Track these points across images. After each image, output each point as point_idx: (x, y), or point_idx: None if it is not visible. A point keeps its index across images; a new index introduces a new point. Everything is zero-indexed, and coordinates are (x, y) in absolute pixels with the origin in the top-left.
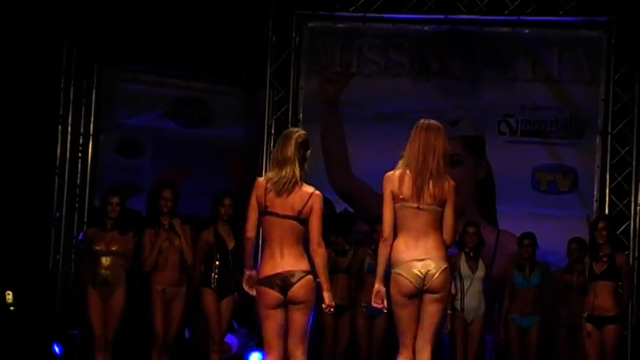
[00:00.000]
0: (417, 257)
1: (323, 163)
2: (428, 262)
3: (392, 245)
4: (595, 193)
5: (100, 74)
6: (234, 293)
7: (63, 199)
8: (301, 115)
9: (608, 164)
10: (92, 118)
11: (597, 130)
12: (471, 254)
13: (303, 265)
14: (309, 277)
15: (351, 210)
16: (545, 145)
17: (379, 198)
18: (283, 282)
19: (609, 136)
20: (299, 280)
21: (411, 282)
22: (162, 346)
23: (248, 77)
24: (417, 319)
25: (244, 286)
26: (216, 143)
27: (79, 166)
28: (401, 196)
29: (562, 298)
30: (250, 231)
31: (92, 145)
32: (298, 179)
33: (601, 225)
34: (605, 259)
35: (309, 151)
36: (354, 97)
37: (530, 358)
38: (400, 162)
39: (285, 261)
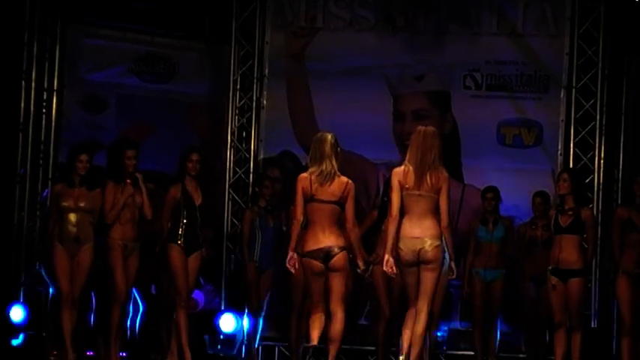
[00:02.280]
0: (416, 235)
1: (289, 118)
2: (424, 239)
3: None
4: (559, 147)
5: (63, 29)
6: (202, 249)
7: (27, 155)
8: (267, 70)
9: (572, 118)
10: (56, 74)
11: (562, 84)
12: None
13: (341, 242)
14: (345, 252)
15: None
16: (510, 99)
17: (345, 153)
18: (325, 255)
19: (574, 90)
20: (337, 254)
21: (409, 254)
22: (124, 301)
23: (212, 32)
24: (418, 284)
25: (288, 264)
26: (180, 99)
27: (43, 122)
28: (406, 186)
29: (526, 252)
30: (300, 215)
31: (56, 100)
32: (336, 171)
33: (563, 177)
34: (570, 212)
35: (339, 149)
36: (320, 52)
37: (495, 311)
38: (405, 161)
39: (327, 238)
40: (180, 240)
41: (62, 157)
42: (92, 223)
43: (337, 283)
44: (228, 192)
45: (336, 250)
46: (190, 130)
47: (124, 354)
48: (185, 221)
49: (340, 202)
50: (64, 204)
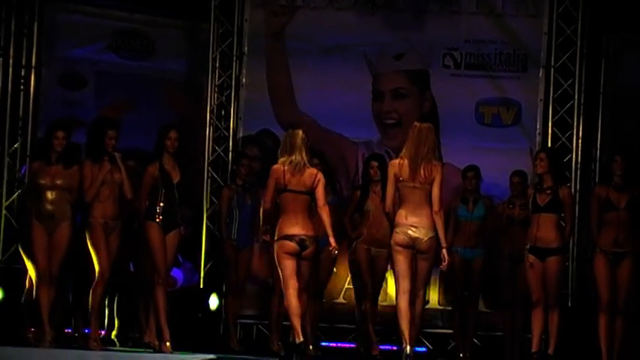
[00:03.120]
0: (412, 224)
1: (268, 96)
2: (420, 229)
3: (396, 213)
4: (538, 126)
5: (42, 5)
6: (180, 227)
7: (5, 132)
8: (246, 49)
9: (551, 97)
10: (34, 51)
11: (540, 64)
12: None
13: (311, 231)
14: (315, 243)
15: None
16: (489, 78)
17: (324, 132)
18: (300, 242)
19: (552, 70)
20: (309, 246)
21: (404, 237)
22: (105, 280)
23: (191, 9)
24: (410, 269)
25: (262, 236)
26: (159, 76)
27: (22, 99)
28: (401, 178)
29: (504, 231)
30: (269, 204)
31: (34, 77)
32: (306, 162)
33: (540, 156)
34: (548, 191)
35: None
36: (300, 31)
37: (474, 289)
38: (401, 154)
39: (301, 227)
40: (158, 218)
41: (40, 135)
42: (70, 201)
43: (306, 270)
44: (207, 170)
45: (308, 242)
46: (169, 108)
47: (103, 332)
48: (163, 199)
49: (311, 192)
50: (41, 181)
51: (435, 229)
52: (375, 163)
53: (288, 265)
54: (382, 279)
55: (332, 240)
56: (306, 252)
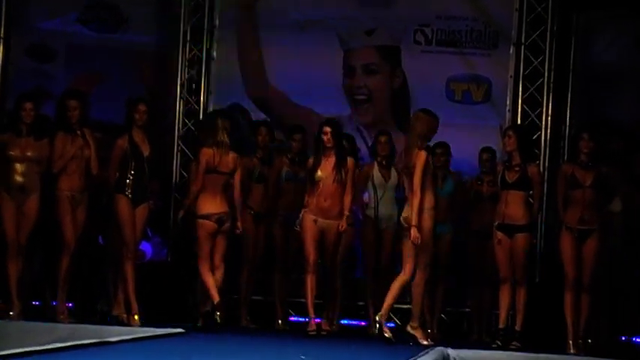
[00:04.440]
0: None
1: (239, 71)
2: (406, 208)
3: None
4: (508, 103)
5: None
6: (149, 201)
7: None
8: (217, 22)
9: (521, 74)
10: (3, 21)
11: (511, 41)
12: (384, 163)
13: (227, 208)
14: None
15: (268, 119)
16: (460, 55)
17: (295, 107)
18: (219, 219)
19: (523, 47)
20: (226, 220)
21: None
22: (72, 252)
23: None
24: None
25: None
26: (130, 49)
27: None
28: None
29: (473, 207)
30: (200, 183)
31: (3, 48)
32: (228, 144)
33: (509, 133)
34: (516, 168)
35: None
36: (271, 5)
37: (442, 265)
38: None
39: (220, 205)
40: (127, 191)
41: (9, 106)
42: (39, 173)
43: (223, 244)
44: (177, 144)
45: (224, 217)
46: (139, 81)
47: (71, 305)
48: (133, 172)
49: (231, 173)
50: (11, 153)
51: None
52: (328, 129)
53: (205, 248)
54: (334, 252)
55: (239, 224)
56: (225, 227)
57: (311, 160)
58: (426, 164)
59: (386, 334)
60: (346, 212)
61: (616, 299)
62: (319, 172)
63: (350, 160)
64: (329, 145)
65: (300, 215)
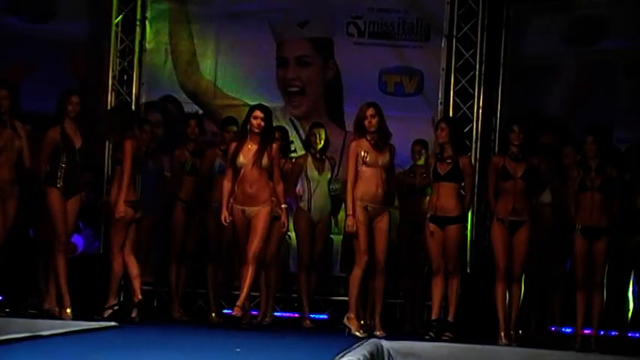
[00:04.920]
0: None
1: (171, 64)
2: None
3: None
4: (440, 95)
5: None
6: (81, 193)
7: None
8: (149, 13)
9: (452, 67)
10: None
11: (443, 33)
12: (317, 155)
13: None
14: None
15: (200, 111)
16: (393, 47)
17: (228, 98)
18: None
19: (454, 39)
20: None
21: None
22: (1, 245)
23: None
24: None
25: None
26: (61, 39)
27: None
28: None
29: (405, 199)
30: None
31: None
32: None
33: (441, 125)
34: (448, 160)
35: None
36: None
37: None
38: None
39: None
40: (59, 183)
41: None
42: None
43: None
44: None
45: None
46: (70, 72)
47: (1, 298)
48: (64, 164)
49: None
50: None
51: (389, 203)
52: (259, 114)
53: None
54: (263, 237)
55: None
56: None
57: (233, 145)
58: (354, 154)
59: (357, 333)
60: (283, 205)
61: (546, 290)
62: (241, 158)
63: (274, 146)
64: (257, 130)
65: (225, 206)
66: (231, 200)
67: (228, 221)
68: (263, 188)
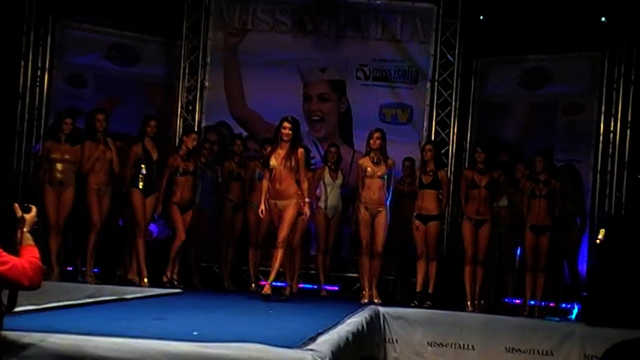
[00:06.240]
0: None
1: (225, 98)
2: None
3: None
4: (425, 124)
5: (54, 22)
6: (156, 193)
7: (24, 118)
8: (209, 60)
9: (434, 103)
10: (47, 57)
11: (427, 78)
12: (332, 167)
13: None
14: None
15: (245, 133)
16: (390, 87)
17: (267, 124)
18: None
19: (436, 83)
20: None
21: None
22: (98, 231)
23: (168, 29)
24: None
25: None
26: (143, 79)
27: (37, 93)
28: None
29: (397, 202)
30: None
31: (47, 77)
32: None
33: (428, 147)
34: (430, 173)
35: None
36: (249, 48)
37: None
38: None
39: None
40: (140, 186)
41: (51, 120)
42: (74, 171)
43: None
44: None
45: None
46: (150, 104)
47: (97, 270)
48: (144, 171)
49: None
50: (53, 156)
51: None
52: (287, 125)
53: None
54: (292, 224)
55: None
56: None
57: (269, 149)
58: (359, 169)
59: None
60: (307, 199)
61: (501, 271)
62: (272, 161)
63: (300, 151)
64: (286, 138)
65: (263, 202)
66: (267, 196)
67: (264, 214)
68: (290, 185)
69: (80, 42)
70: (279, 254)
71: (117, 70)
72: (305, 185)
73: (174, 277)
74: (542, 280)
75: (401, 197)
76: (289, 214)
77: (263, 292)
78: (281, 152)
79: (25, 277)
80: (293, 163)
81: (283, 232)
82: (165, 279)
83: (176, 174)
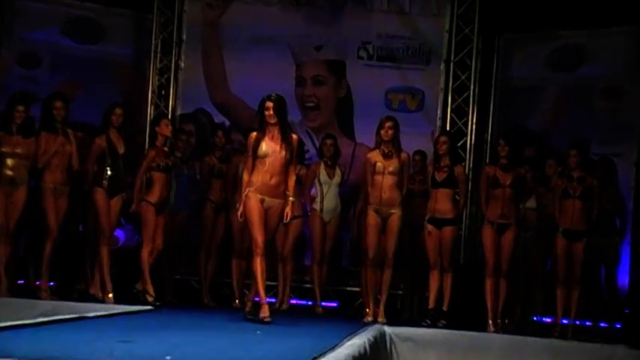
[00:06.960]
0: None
1: (204, 81)
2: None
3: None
4: (439, 112)
5: None
6: (123, 193)
7: None
8: (184, 36)
9: (450, 88)
10: None
11: (442, 58)
12: (329, 163)
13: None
14: None
15: (228, 122)
16: (398, 69)
17: (253, 112)
18: None
19: (452, 64)
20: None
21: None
22: (54, 237)
23: (137, 0)
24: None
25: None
26: (108, 59)
27: None
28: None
29: (406, 203)
30: None
31: None
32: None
33: (442, 139)
34: (445, 169)
35: None
36: (232, 22)
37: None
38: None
39: None
40: (104, 184)
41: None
42: (26, 167)
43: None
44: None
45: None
46: (115, 88)
47: (52, 283)
48: (109, 168)
49: None
50: (3, 150)
51: (400, 205)
52: (270, 104)
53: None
54: (274, 232)
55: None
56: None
57: (254, 135)
58: (367, 165)
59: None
60: (290, 197)
61: (529, 284)
62: (264, 148)
63: (294, 136)
64: (271, 121)
65: (243, 197)
66: (249, 189)
67: (242, 219)
68: (282, 182)
69: (33, 15)
70: (258, 262)
71: (77, 48)
72: (292, 181)
73: (148, 289)
74: (576, 294)
75: (411, 197)
76: (277, 219)
77: (261, 316)
78: (274, 139)
79: None
80: (286, 153)
81: (264, 235)
82: (135, 290)
83: (153, 170)
